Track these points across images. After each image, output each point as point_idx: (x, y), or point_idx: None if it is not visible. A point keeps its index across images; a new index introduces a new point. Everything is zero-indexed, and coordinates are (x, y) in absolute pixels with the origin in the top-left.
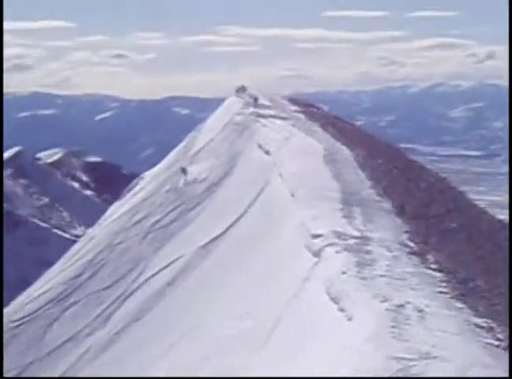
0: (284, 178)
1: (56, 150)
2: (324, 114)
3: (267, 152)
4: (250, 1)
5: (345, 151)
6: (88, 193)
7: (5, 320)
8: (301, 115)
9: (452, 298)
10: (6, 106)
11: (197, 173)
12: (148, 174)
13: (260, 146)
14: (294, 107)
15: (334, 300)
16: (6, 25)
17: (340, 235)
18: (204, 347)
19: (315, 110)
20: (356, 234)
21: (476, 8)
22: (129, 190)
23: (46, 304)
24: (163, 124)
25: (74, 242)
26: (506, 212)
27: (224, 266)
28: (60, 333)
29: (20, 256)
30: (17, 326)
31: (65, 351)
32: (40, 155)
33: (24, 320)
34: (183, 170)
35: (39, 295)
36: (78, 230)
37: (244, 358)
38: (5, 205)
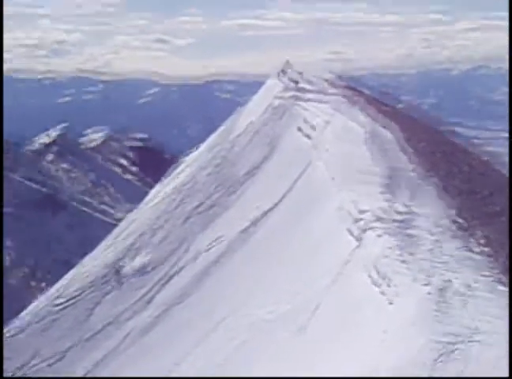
0: (325, 161)
1: (98, 134)
2: (365, 96)
3: (307, 136)
4: None
5: (387, 135)
6: (130, 176)
7: (47, 303)
8: (342, 98)
9: (494, 281)
10: (47, 91)
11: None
12: (189, 158)
13: (300, 129)
14: (335, 90)
15: (376, 283)
16: (45, 10)
17: (381, 218)
18: (244, 330)
19: (356, 92)
20: (398, 217)
21: None
22: (171, 174)
23: (88, 288)
24: (205, 108)
25: (115, 225)
26: None
27: (264, 250)
28: (102, 316)
29: (61, 239)
30: (59, 310)
31: (107, 334)
32: (82, 139)
33: (66, 304)
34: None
35: (81, 279)
36: (119, 214)
37: (283, 342)
38: (46, 189)
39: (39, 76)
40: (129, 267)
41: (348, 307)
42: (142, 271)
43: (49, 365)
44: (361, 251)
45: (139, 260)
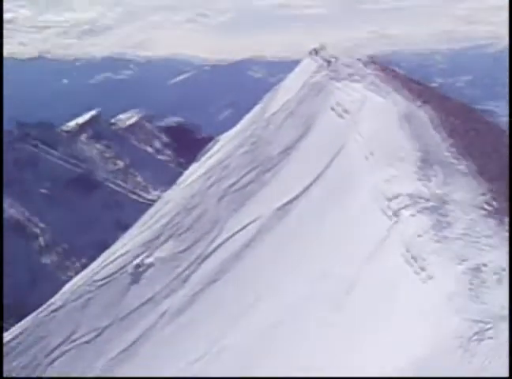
0: (359, 140)
1: (132, 114)
2: (399, 75)
3: (341, 115)
4: None
5: (421, 113)
6: (163, 157)
7: (84, 281)
8: (376, 77)
9: None
10: (81, 71)
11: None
12: (223, 137)
13: (334, 108)
14: (369, 69)
15: (410, 262)
16: None
17: (416, 197)
18: (280, 308)
19: (391, 71)
20: (432, 196)
21: None
22: (205, 153)
23: (123, 267)
24: (239, 86)
25: (150, 205)
26: None
27: (300, 228)
28: (138, 295)
29: (96, 219)
30: (96, 288)
31: (143, 313)
32: (115, 119)
33: (103, 282)
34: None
35: (117, 258)
36: (154, 194)
37: (320, 321)
38: (81, 169)
39: (73, 57)
40: (164, 246)
41: (383, 287)
42: (177, 250)
43: (87, 342)
44: (395, 231)
45: (174, 240)
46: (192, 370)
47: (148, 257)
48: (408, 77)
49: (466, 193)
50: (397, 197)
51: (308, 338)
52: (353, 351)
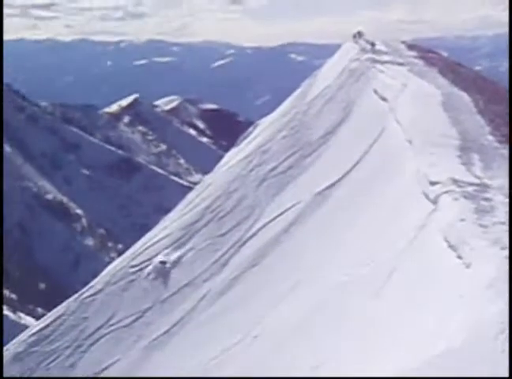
0: (401, 124)
1: (173, 97)
2: (442, 59)
3: (384, 98)
4: None
5: (464, 97)
6: (205, 140)
7: (124, 264)
8: (419, 61)
9: None
10: (123, 54)
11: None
12: (264, 121)
13: (376, 92)
14: (411, 53)
15: (452, 247)
16: None
17: (458, 182)
18: (318, 294)
19: (433, 55)
20: (475, 181)
21: None
22: (246, 137)
23: (164, 250)
24: (280, 71)
25: (191, 188)
26: None
27: (340, 213)
28: (178, 278)
29: (137, 202)
30: (136, 271)
31: (183, 296)
32: (157, 102)
33: (142, 265)
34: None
35: (157, 241)
36: (195, 177)
37: (359, 305)
38: (123, 152)
39: (116, 39)
40: (203, 230)
41: (425, 271)
42: (217, 234)
43: (126, 326)
44: (437, 215)
45: (214, 224)
46: (229, 355)
47: (179, 248)
48: (452, 60)
49: (509, 177)
50: (439, 181)
51: (347, 321)
52: (393, 335)
